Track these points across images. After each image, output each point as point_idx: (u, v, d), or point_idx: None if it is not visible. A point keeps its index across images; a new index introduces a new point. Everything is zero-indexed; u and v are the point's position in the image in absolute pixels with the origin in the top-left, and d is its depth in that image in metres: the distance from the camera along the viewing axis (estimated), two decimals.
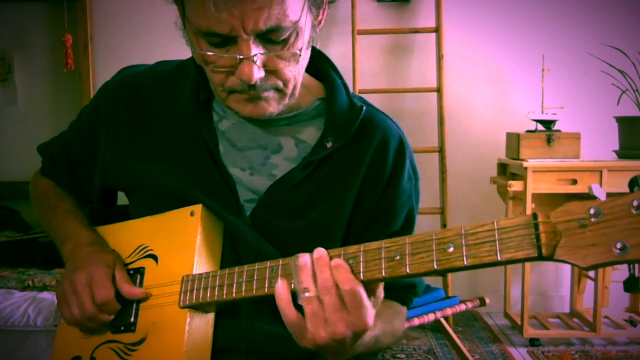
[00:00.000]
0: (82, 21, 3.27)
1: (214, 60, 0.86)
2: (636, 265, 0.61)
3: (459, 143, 3.35)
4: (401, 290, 1.04)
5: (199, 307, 0.90)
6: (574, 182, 2.70)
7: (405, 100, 3.38)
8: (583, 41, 3.25)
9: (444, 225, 3.13)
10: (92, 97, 1.30)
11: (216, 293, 0.86)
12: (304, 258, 0.76)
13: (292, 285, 0.77)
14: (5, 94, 3.39)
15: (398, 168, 1.01)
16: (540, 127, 2.90)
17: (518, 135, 2.84)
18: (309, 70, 0.99)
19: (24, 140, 3.31)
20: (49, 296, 2.27)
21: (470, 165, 3.37)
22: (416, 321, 2.09)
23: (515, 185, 2.76)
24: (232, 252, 0.96)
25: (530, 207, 2.71)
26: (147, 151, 1.01)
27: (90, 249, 1.00)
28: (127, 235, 1.02)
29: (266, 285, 0.81)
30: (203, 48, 0.86)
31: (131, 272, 0.98)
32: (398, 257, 0.72)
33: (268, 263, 0.82)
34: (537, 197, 2.78)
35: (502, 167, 3.07)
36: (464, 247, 0.68)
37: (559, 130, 2.87)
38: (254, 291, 0.82)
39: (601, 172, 2.67)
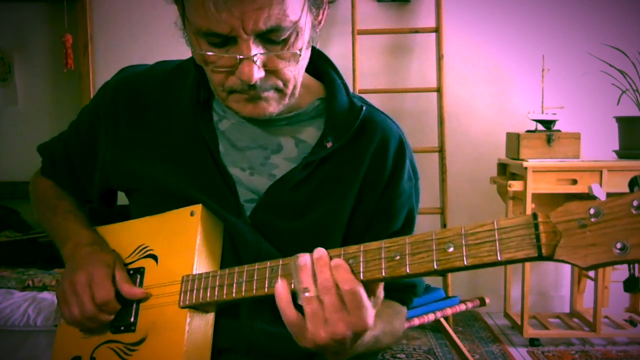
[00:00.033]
0: (82, 21, 3.27)
1: (214, 60, 0.86)
2: (636, 265, 0.61)
3: (459, 143, 3.35)
4: (401, 290, 1.04)
5: (199, 307, 0.90)
6: (574, 182, 2.70)
7: (405, 100, 3.38)
8: (583, 41, 3.25)
9: (444, 225, 3.13)
10: (92, 97, 1.30)
11: (216, 293, 0.86)
12: (304, 258, 0.76)
13: (292, 285, 0.77)
14: (5, 94, 3.39)
15: (398, 168, 1.01)
16: (540, 127, 2.90)
17: (518, 135, 2.84)
18: (309, 70, 0.99)
19: (24, 140, 3.31)
20: (49, 296, 2.27)
21: (470, 165, 3.37)
22: (416, 321, 2.09)
23: (515, 185, 2.76)
24: (232, 252, 0.96)
25: (530, 207, 2.71)
26: (147, 151, 1.01)
27: (90, 249, 1.00)
28: (127, 235, 1.02)
29: (266, 285, 0.81)
30: (203, 48, 0.86)
31: (131, 272, 0.98)
32: (398, 257, 0.72)
33: (268, 263, 0.82)
34: (537, 197, 2.78)
35: (502, 167, 3.07)
36: (464, 247, 0.68)
37: (559, 130, 2.87)
38: (254, 291, 0.82)
39: (601, 172, 2.67)
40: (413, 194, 1.04)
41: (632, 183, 0.59)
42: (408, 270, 0.71)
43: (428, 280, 2.02)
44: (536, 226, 0.64)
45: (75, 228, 1.06)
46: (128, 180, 1.03)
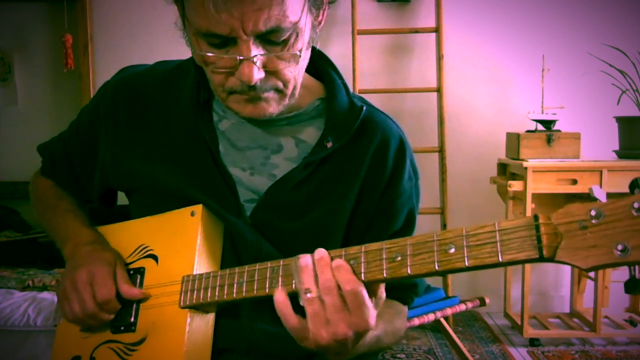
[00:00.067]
0: (82, 21, 3.27)
1: (213, 61, 0.86)
2: (637, 267, 0.61)
3: (459, 143, 3.35)
4: (402, 290, 1.04)
5: (199, 307, 0.90)
6: (574, 182, 2.70)
7: (405, 100, 3.38)
8: (583, 41, 3.25)
9: (443, 225, 3.13)
10: (92, 97, 1.30)
11: (216, 293, 0.86)
12: (305, 259, 0.76)
13: (293, 285, 0.77)
14: (5, 94, 3.39)
15: (398, 168, 1.01)
16: (540, 127, 2.90)
17: (518, 135, 2.84)
18: (309, 70, 0.99)
19: (24, 140, 3.31)
20: (49, 296, 2.27)
21: (470, 165, 3.37)
22: (416, 321, 2.09)
23: (515, 185, 2.76)
24: (233, 252, 0.96)
25: (530, 207, 2.71)
26: (147, 151, 1.01)
27: (91, 247, 1.00)
28: (128, 235, 1.02)
29: (267, 286, 0.81)
30: (203, 49, 0.86)
31: (131, 272, 0.98)
32: (399, 258, 0.72)
33: (269, 264, 0.82)
34: (537, 197, 2.78)
35: (502, 167, 3.07)
36: (465, 248, 0.68)
37: (559, 130, 2.87)
38: (255, 291, 0.82)
39: (601, 172, 2.67)
40: (413, 193, 1.04)
41: (633, 185, 0.59)
42: (409, 271, 0.71)
43: (428, 280, 2.02)
44: (537, 228, 0.64)
45: (75, 227, 1.06)
46: (128, 180, 1.03)
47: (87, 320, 0.95)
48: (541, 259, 0.63)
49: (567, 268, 3.25)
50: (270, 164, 0.98)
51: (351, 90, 1.09)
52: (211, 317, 0.92)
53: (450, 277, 3.09)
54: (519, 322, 2.89)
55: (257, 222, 0.95)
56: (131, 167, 1.01)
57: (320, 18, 0.92)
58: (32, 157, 1.34)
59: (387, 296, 0.98)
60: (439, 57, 3.19)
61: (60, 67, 3.22)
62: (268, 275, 0.81)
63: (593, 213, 0.60)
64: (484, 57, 3.35)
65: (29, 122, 3.37)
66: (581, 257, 0.61)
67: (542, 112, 2.90)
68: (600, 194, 0.61)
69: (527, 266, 2.83)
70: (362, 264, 0.74)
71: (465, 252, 0.68)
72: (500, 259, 0.65)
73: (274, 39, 0.84)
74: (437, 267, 0.69)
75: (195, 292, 0.89)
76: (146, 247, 0.99)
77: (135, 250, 1.00)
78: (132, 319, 0.94)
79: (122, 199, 1.13)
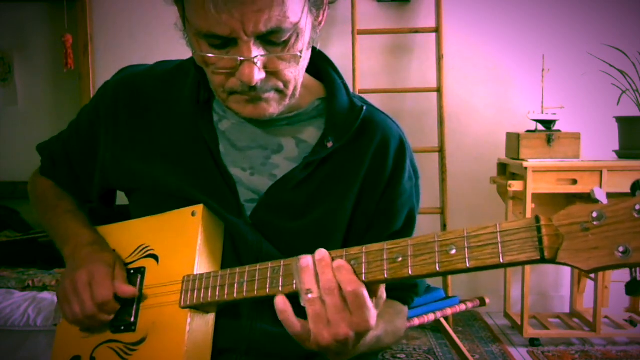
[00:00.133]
0: (82, 21, 3.27)
1: (214, 62, 0.86)
2: (638, 269, 0.61)
3: (459, 143, 3.35)
4: (402, 290, 1.04)
5: (199, 307, 0.90)
6: (574, 182, 2.70)
7: (405, 100, 3.38)
8: (583, 41, 3.25)
9: (444, 225, 3.13)
10: (92, 97, 1.30)
11: (217, 293, 0.86)
12: (306, 259, 0.76)
13: (294, 286, 0.77)
14: (5, 94, 3.39)
15: (398, 168, 1.01)
16: (540, 127, 2.90)
17: (518, 135, 2.84)
18: (309, 70, 0.99)
19: (24, 140, 3.31)
20: (49, 296, 2.27)
21: (470, 165, 3.37)
22: (416, 321, 2.09)
23: (515, 185, 2.76)
24: (233, 252, 0.96)
25: (530, 207, 2.71)
26: (147, 151, 1.01)
27: (90, 248, 1.00)
28: (128, 235, 1.02)
29: (267, 286, 0.81)
30: (203, 49, 0.86)
31: (132, 271, 0.98)
32: (400, 259, 0.72)
33: (269, 264, 0.82)
34: (537, 197, 2.78)
35: (502, 167, 3.07)
36: (466, 250, 0.68)
37: (559, 130, 2.87)
38: (255, 292, 0.82)
39: (601, 172, 2.67)
40: (414, 193, 1.04)
41: (635, 187, 0.59)
42: (410, 272, 0.71)
43: (428, 280, 2.02)
44: (539, 229, 0.64)
45: (75, 228, 1.06)
46: (128, 180, 1.03)
47: (88, 322, 0.95)
48: (542, 260, 0.63)
49: (567, 268, 3.25)
50: (271, 164, 0.98)
51: (351, 90, 1.09)
52: (211, 317, 0.92)
53: (450, 277, 3.09)
54: (519, 322, 2.89)
55: (258, 222, 0.95)
56: (131, 167, 1.01)
57: (320, 18, 0.92)
58: (32, 157, 1.34)
59: (388, 296, 0.98)
60: (439, 57, 3.19)
61: (60, 67, 3.22)
62: (269, 276, 0.81)
63: (594, 215, 0.60)
64: (484, 57, 3.35)
65: (29, 122, 3.37)
66: (582, 259, 0.61)
67: (542, 112, 2.90)
68: (601, 196, 0.61)
69: (527, 266, 2.83)
70: (363, 265, 0.74)
71: (467, 253, 0.68)
72: (502, 260, 0.65)
73: (274, 40, 0.84)
74: (438, 268, 0.69)
75: (195, 292, 0.89)
76: (146, 247, 0.99)
77: (136, 250, 1.00)
78: (132, 319, 0.94)
79: (122, 199, 1.13)
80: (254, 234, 0.94)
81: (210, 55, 0.85)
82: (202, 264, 0.92)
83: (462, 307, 2.24)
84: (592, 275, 2.98)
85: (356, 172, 0.98)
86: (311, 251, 0.77)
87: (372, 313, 0.75)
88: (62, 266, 1.03)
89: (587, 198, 0.62)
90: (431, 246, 0.70)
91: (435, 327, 2.96)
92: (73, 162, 1.12)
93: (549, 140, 2.81)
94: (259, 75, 0.84)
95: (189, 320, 0.89)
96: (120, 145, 1.02)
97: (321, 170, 0.97)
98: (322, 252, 0.76)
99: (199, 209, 0.94)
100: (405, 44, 3.38)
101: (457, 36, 3.31)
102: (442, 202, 3.16)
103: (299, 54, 0.87)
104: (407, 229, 1.03)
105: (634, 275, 0.61)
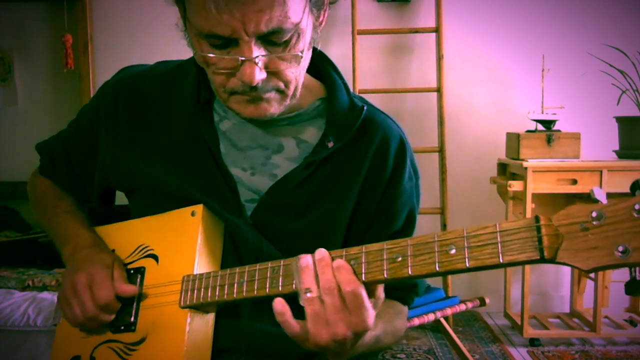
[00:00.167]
0: (82, 21, 3.27)
1: (215, 62, 0.86)
2: (637, 268, 0.61)
3: (459, 143, 3.35)
4: (402, 290, 1.04)
5: (199, 307, 0.90)
6: (574, 182, 2.70)
7: (405, 100, 3.38)
8: (583, 41, 3.25)
9: (443, 225, 3.13)
10: (92, 97, 1.30)
11: (217, 293, 0.86)
12: (306, 259, 0.76)
13: (294, 285, 0.77)
14: (5, 94, 3.39)
15: (399, 168, 1.01)
16: (540, 127, 2.90)
17: (518, 135, 2.84)
18: (310, 70, 0.99)
19: (24, 140, 3.30)
20: (49, 296, 2.27)
21: (470, 165, 3.37)
22: (416, 321, 2.09)
23: (515, 185, 2.76)
24: (233, 252, 0.96)
25: (530, 207, 2.71)
26: (147, 151, 1.01)
27: (90, 250, 1.00)
28: (128, 235, 1.02)
29: (267, 286, 0.81)
30: (204, 50, 0.86)
31: (132, 271, 0.98)
32: (400, 259, 0.72)
33: (269, 264, 0.82)
34: (537, 197, 2.78)
35: (502, 167, 3.07)
36: (466, 249, 0.68)
37: (559, 130, 2.87)
38: (255, 291, 0.82)
39: (601, 172, 2.67)
40: (414, 193, 1.04)
41: (634, 186, 0.59)
42: (410, 272, 0.71)
43: (428, 280, 2.02)
44: (538, 229, 0.64)
45: (75, 229, 1.06)
46: (128, 180, 1.03)
47: (89, 323, 0.95)
48: (542, 260, 0.63)
49: (567, 268, 3.25)
50: (271, 164, 0.98)
51: (351, 90, 1.09)
52: (211, 317, 0.92)
53: (450, 277, 3.09)
54: (519, 322, 2.89)
55: (258, 222, 0.95)
56: (131, 167, 1.01)
57: (321, 19, 0.92)
58: (32, 157, 1.34)
59: (387, 296, 0.99)
60: (439, 57, 3.19)
61: (60, 67, 3.22)
62: (268, 275, 0.81)
63: (594, 214, 0.60)
64: (484, 57, 3.35)
65: (29, 122, 3.37)
66: (582, 259, 0.61)
67: (542, 112, 2.90)
68: (601, 196, 0.61)
69: (527, 266, 2.83)
70: (363, 265, 0.74)
71: (466, 253, 0.68)
72: (501, 260, 0.65)
73: (275, 40, 0.84)
74: (438, 268, 0.69)
75: (195, 292, 0.89)
76: (146, 247, 0.99)
77: (136, 250, 1.00)
78: (132, 319, 0.94)
79: (122, 199, 1.13)
80: (255, 234, 0.95)
81: (211, 55, 0.85)
82: (201, 264, 0.92)
83: (462, 307, 2.24)
84: (592, 275, 2.98)
85: (356, 172, 0.98)
86: (311, 251, 0.77)
87: (370, 313, 0.75)
88: (62, 266, 1.03)
89: (587, 198, 0.62)
90: (431, 246, 0.70)
91: (435, 327, 2.96)
92: (73, 161, 1.12)
93: (549, 140, 2.81)
94: (260, 75, 0.84)
95: (188, 320, 0.89)
96: (120, 145, 1.02)
97: (322, 170, 0.97)
98: (322, 252, 0.76)
99: (199, 209, 0.94)
100: (405, 44, 3.38)
101: (457, 36, 3.31)
102: (442, 202, 3.16)
103: (300, 54, 0.87)
104: (407, 229, 1.03)
105: (634, 274, 0.61)
